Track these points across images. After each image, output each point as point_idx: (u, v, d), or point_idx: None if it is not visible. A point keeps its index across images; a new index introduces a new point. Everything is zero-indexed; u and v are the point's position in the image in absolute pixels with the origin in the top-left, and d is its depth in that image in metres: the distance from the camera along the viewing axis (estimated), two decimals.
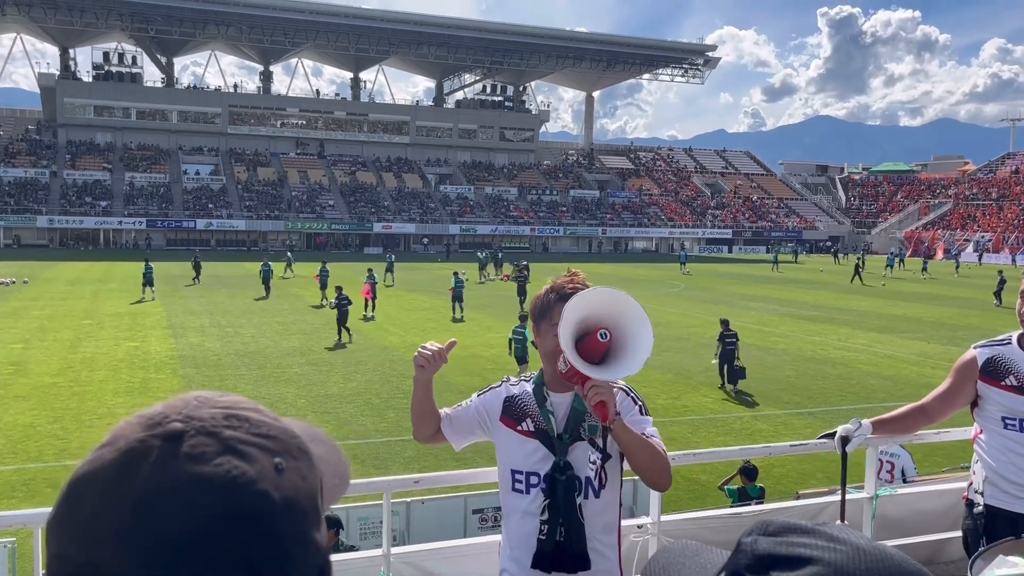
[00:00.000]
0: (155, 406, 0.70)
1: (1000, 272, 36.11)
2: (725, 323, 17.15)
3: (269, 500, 0.66)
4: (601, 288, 2.29)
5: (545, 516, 2.46)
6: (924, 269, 52.74)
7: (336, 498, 0.80)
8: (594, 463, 2.47)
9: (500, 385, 2.72)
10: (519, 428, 2.56)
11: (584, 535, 2.46)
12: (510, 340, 17.53)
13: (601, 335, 2.24)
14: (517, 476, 2.54)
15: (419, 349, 2.55)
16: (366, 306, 27.13)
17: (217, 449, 0.66)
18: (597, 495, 2.50)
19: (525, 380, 2.69)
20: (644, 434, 2.47)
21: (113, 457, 0.65)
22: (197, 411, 0.69)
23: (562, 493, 2.45)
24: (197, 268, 39.46)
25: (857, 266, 45.11)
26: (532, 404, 2.58)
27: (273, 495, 0.66)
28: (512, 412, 2.59)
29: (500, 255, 51.90)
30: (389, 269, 40.70)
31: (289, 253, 47.12)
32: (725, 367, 16.76)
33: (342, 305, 22.17)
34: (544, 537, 2.46)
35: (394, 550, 3.34)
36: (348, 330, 22.22)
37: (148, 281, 31.83)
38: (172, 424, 0.67)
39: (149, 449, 0.65)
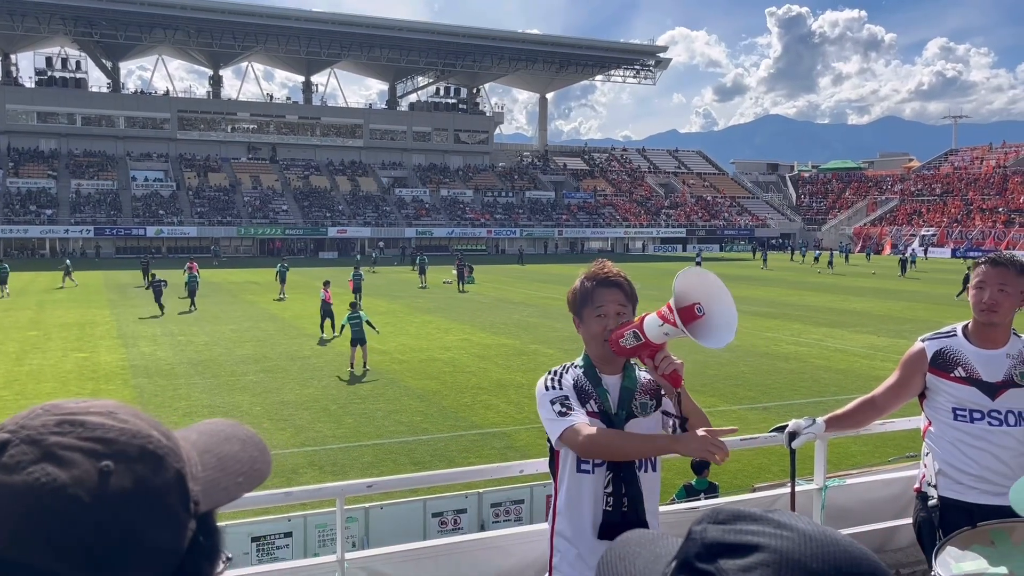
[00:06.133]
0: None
1: (968, 267, 36.58)
2: None
3: (78, 504, 0.67)
4: (698, 269, 2.50)
5: (610, 489, 2.61)
6: (816, 259, 53.32)
7: (236, 494, 0.83)
8: (672, 427, 2.68)
9: (559, 373, 2.75)
10: (587, 410, 2.66)
11: (644, 505, 2.64)
12: (342, 326, 19.29)
13: (698, 309, 2.45)
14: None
15: (718, 448, 2.45)
16: (324, 325, 23.69)
17: (34, 457, 0.68)
18: (654, 469, 2.71)
19: (570, 364, 2.78)
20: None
21: None
22: (33, 420, 0.71)
23: (625, 466, 2.62)
24: (146, 272, 39.81)
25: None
26: (589, 386, 2.70)
27: (84, 499, 0.67)
28: (579, 396, 2.69)
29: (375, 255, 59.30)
30: (282, 279, 35.24)
31: (67, 260, 42.45)
32: None
33: (157, 286, 28.68)
34: (611, 508, 2.61)
35: (349, 555, 3.31)
36: (163, 308, 28.32)
37: (2, 280, 35.13)
38: (1, 436, 0.69)
39: None
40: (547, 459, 2.88)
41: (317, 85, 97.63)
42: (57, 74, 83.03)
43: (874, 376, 18.16)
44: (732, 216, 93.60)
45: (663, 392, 2.71)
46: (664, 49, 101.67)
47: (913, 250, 63.11)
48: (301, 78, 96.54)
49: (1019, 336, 3.40)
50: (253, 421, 14.29)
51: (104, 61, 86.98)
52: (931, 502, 3.37)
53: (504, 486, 8.87)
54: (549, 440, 2.71)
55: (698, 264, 54.14)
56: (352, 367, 18.60)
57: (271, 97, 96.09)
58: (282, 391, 16.75)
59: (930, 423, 3.47)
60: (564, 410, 2.62)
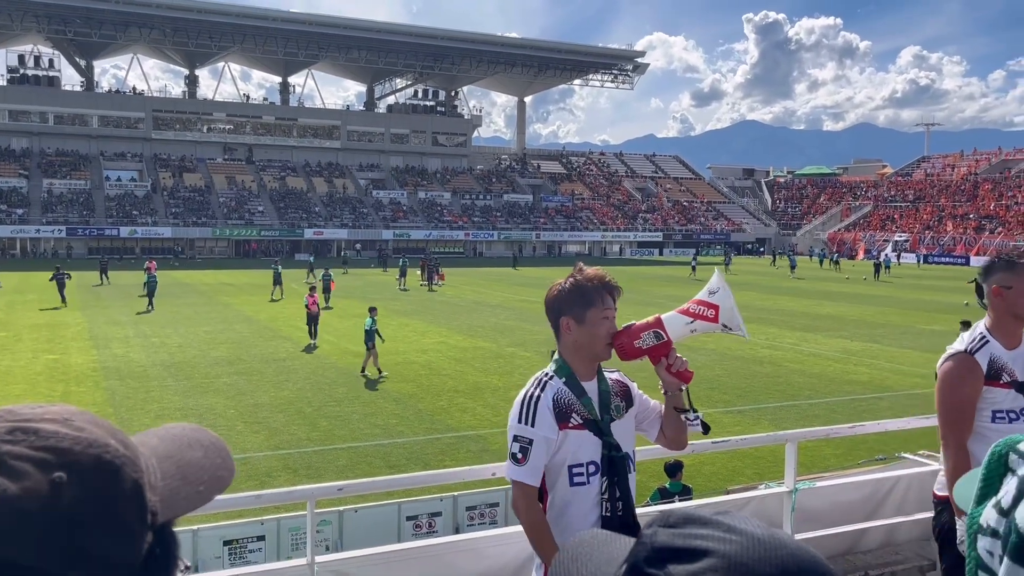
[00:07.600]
0: None
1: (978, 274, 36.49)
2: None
3: (28, 517, 0.66)
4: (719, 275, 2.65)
5: (606, 495, 2.63)
6: (793, 267, 54.34)
7: (196, 504, 0.81)
8: (694, 421, 2.77)
9: (534, 400, 2.65)
10: (571, 425, 2.64)
11: (633, 505, 2.70)
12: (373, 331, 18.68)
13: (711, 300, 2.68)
14: (576, 470, 2.64)
15: None
16: (311, 331, 22.97)
17: None
18: (633, 469, 2.74)
19: (546, 378, 2.69)
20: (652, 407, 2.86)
21: None
22: None
23: (620, 469, 2.65)
24: (104, 271, 41.96)
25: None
26: (571, 397, 2.67)
27: (34, 512, 0.66)
28: (561, 414, 2.64)
29: (313, 259, 55.23)
30: (277, 282, 35.21)
31: None
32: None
33: (60, 278, 30.86)
34: (608, 514, 2.63)
35: (319, 558, 3.29)
36: (64, 299, 30.63)
37: None
38: None
39: None
40: None
41: (294, 86, 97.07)
42: (30, 72, 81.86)
43: (847, 380, 18.35)
44: (708, 221, 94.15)
45: (646, 392, 2.78)
46: (642, 54, 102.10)
47: (887, 255, 63.77)
48: (278, 79, 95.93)
49: None
50: (227, 423, 14.17)
51: (78, 59, 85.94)
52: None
53: (479, 489, 8.85)
54: None
55: (693, 268, 54.67)
56: (378, 369, 18.55)
57: (248, 97, 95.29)
58: (256, 393, 16.62)
59: None
60: (521, 456, 2.60)
